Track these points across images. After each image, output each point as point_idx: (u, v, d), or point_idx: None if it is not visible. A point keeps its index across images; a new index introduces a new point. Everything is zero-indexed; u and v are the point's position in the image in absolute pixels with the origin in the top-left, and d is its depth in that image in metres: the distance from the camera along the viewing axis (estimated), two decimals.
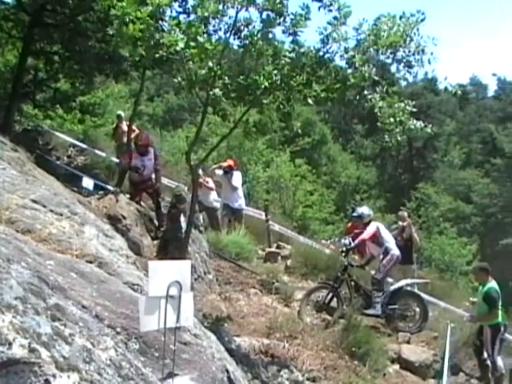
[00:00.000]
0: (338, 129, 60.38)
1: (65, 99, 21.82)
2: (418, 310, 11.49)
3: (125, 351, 3.36)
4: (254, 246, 14.00)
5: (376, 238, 11.44)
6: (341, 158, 52.43)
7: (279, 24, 7.52)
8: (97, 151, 20.11)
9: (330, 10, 7.50)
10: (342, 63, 7.69)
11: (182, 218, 10.13)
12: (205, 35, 7.29)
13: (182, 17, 8.13)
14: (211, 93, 7.38)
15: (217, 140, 24.28)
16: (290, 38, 7.74)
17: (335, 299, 10.94)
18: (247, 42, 7.32)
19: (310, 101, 7.86)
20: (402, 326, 11.29)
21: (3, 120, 17.06)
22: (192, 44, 7.08)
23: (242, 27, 7.81)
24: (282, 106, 7.81)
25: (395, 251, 11.41)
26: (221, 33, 7.98)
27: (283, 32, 7.64)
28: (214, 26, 7.98)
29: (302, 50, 7.50)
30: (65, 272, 3.78)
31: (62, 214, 5.06)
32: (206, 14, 7.21)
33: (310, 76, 7.56)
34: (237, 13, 7.54)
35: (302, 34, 7.70)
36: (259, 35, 7.29)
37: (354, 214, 12.14)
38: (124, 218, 10.41)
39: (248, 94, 7.52)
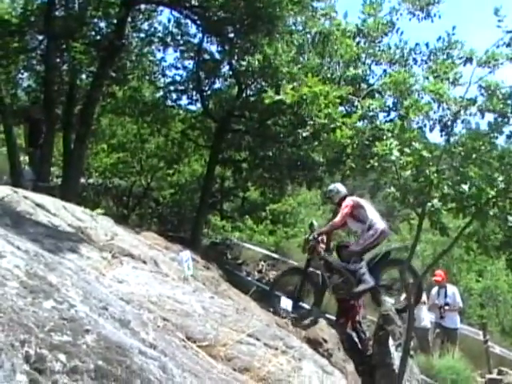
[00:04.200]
0: None
1: (254, 209, 22.75)
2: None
3: None
4: (471, 372, 13.29)
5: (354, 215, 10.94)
6: None
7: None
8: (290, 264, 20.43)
9: None
10: None
11: (391, 342, 9.92)
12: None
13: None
14: (429, 204, 7.33)
15: (421, 248, 23.93)
16: None
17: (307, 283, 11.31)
18: (469, 146, 7.23)
19: None
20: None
21: (191, 233, 18.14)
22: (406, 151, 7.15)
23: (449, 122, 7.79)
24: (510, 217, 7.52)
25: (379, 225, 10.71)
26: (427, 129, 8.04)
27: (508, 137, 7.51)
28: (417, 122, 8.06)
29: None
30: None
31: (277, 349, 5.19)
32: (421, 117, 7.32)
33: None
34: (455, 114, 7.55)
35: None
36: (483, 140, 7.19)
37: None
38: (325, 341, 10.41)
39: (470, 204, 7.36)
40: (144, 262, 7.28)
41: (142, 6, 17.55)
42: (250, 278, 18.28)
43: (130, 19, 16.49)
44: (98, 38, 16.71)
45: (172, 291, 5.81)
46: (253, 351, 4.91)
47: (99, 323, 3.18)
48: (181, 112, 20.45)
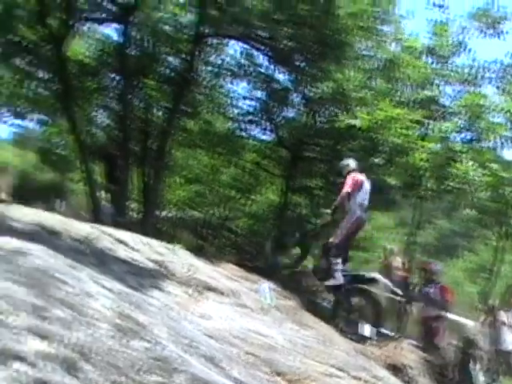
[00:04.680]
0: None
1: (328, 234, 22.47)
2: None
3: None
4: None
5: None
6: None
7: None
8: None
9: None
10: None
11: (476, 366, 9.69)
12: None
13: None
14: (508, 224, 7.20)
15: (505, 269, 23.26)
16: None
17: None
18: None
19: None
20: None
21: (267, 264, 18.07)
22: (484, 172, 7.07)
23: None
24: None
25: (357, 213, 10.71)
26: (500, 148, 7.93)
27: None
28: (491, 141, 7.95)
29: None
30: None
31: (361, 379, 5.15)
32: (498, 140, 7.22)
33: None
34: None
35: None
36: None
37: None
38: (408, 367, 10.23)
39: None
40: (225, 295, 7.34)
41: (212, 40, 17.77)
42: (325, 304, 18.10)
43: (199, 53, 16.73)
44: (169, 73, 17.02)
45: (254, 324, 5.84)
46: (338, 383, 4.88)
47: (188, 361, 3.21)
48: (253, 142, 20.50)
